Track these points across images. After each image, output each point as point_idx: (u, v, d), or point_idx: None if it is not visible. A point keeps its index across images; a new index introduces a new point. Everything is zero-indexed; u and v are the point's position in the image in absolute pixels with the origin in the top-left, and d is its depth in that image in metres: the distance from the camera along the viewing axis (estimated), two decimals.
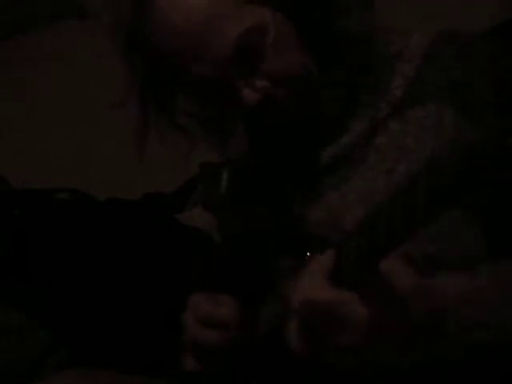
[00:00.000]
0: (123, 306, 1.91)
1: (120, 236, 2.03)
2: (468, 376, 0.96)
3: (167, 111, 1.16)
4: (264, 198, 1.20)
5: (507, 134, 0.62)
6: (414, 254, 0.95)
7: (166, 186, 2.27)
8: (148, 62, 1.11)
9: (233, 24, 1.04)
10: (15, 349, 1.83)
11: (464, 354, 0.90)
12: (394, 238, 0.77)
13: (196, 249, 1.84)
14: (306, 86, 1.08)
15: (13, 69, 2.84)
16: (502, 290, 0.91)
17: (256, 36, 1.04)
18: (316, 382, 1.03)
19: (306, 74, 1.07)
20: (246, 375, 1.10)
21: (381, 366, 0.94)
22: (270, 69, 1.06)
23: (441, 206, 0.70)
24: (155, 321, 1.79)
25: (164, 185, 2.25)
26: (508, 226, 0.99)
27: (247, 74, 1.06)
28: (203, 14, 1.04)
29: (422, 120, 1.05)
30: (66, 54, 2.76)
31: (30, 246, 2.02)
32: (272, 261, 1.11)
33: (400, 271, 0.84)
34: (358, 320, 0.83)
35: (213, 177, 1.33)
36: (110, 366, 1.27)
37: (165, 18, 1.06)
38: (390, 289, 0.83)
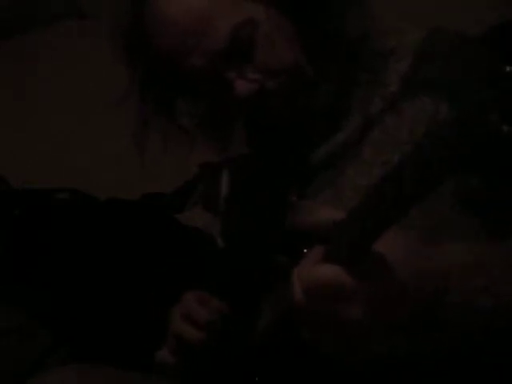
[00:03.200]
0: (123, 306, 1.91)
1: (120, 236, 2.03)
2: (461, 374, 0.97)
3: (167, 111, 1.19)
4: (261, 197, 1.21)
5: (485, 111, 0.63)
6: None
7: (166, 186, 2.27)
8: (146, 58, 1.14)
9: (226, 17, 1.08)
10: (15, 349, 1.83)
11: (461, 336, 0.90)
12: (383, 220, 0.77)
13: (196, 249, 1.84)
14: (297, 80, 1.10)
15: (13, 69, 2.84)
16: (501, 257, 0.91)
17: (248, 30, 1.08)
18: (316, 377, 1.04)
19: (298, 68, 1.10)
20: (248, 372, 1.10)
21: (375, 358, 0.95)
22: (262, 61, 1.09)
23: (427, 184, 0.70)
24: (155, 320, 1.79)
25: (164, 185, 2.24)
26: (503, 210, 1.00)
27: (239, 65, 1.09)
28: (197, 6, 1.08)
29: (417, 112, 1.07)
30: (66, 54, 2.75)
31: (29, 245, 2.03)
32: (270, 258, 1.11)
33: (397, 238, 0.84)
34: (350, 292, 0.82)
35: (213, 177, 1.33)
36: (110, 364, 1.27)
37: (160, 12, 1.10)
38: (386, 260, 0.83)
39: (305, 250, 0.95)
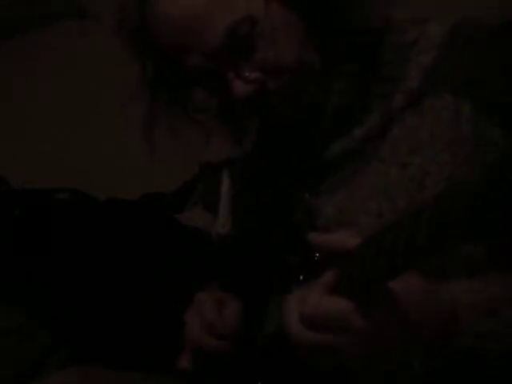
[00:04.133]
0: (123, 306, 1.91)
1: (120, 236, 2.03)
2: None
3: (180, 105, 1.17)
4: (273, 195, 1.20)
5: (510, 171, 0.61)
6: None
7: (166, 186, 2.26)
8: (153, 56, 1.13)
9: (224, 15, 1.06)
10: (15, 349, 1.83)
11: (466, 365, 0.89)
12: (395, 270, 0.77)
13: (196, 249, 1.84)
14: (302, 79, 1.07)
15: (13, 69, 2.84)
16: (508, 299, 0.91)
17: (246, 27, 1.06)
18: (319, 381, 1.03)
19: (303, 65, 1.07)
20: (251, 375, 1.09)
21: (383, 371, 0.94)
22: (261, 59, 1.06)
23: (443, 244, 0.69)
24: (155, 320, 1.79)
25: (164, 185, 2.24)
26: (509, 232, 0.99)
27: (238, 64, 1.07)
28: (195, 4, 1.06)
29: (439, 111, 1.04)
30: (66, 54, 2.75)
31: (30, 246, 2.02)
32: (281, 259, 1.10)
33: (407, 277, 0.83)
34: (354, 328, 0.82)
35: (213, 177, 1.32)
36: (110, 365, 1.27)
37: (159, 10, 1.09)
38: (394, 298, 0.82)
39: (317, 254, 0.94)
